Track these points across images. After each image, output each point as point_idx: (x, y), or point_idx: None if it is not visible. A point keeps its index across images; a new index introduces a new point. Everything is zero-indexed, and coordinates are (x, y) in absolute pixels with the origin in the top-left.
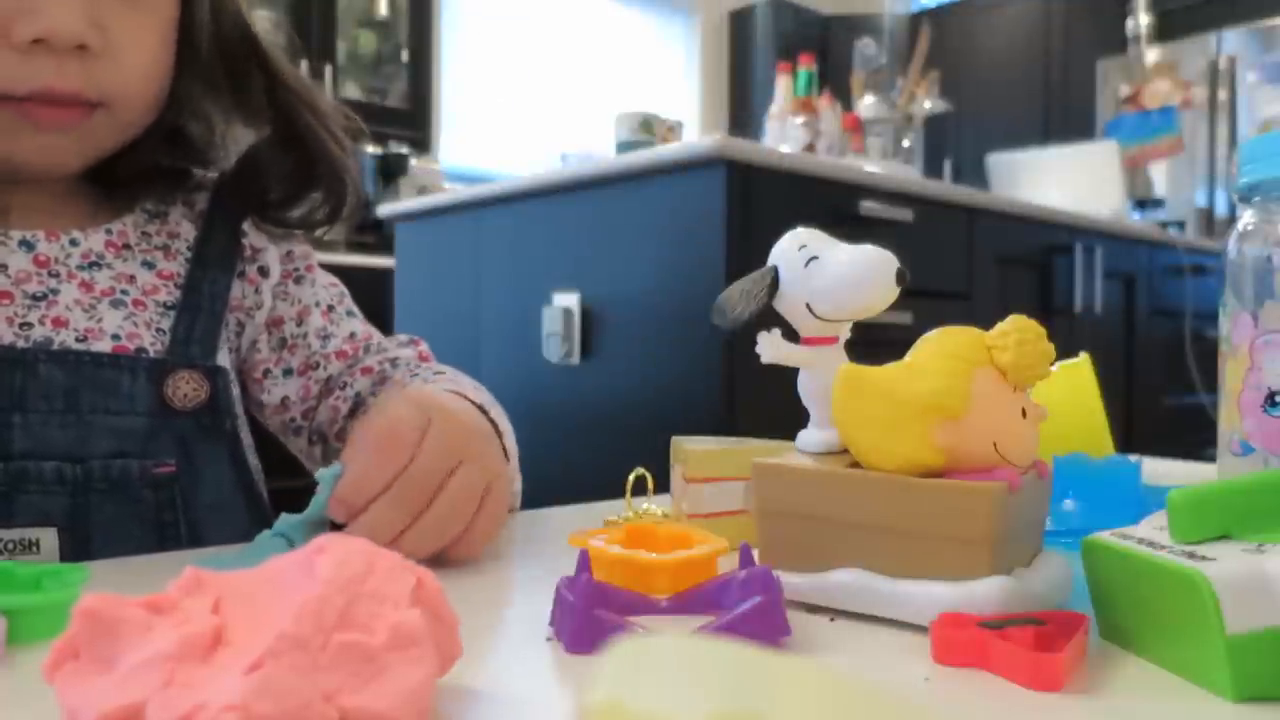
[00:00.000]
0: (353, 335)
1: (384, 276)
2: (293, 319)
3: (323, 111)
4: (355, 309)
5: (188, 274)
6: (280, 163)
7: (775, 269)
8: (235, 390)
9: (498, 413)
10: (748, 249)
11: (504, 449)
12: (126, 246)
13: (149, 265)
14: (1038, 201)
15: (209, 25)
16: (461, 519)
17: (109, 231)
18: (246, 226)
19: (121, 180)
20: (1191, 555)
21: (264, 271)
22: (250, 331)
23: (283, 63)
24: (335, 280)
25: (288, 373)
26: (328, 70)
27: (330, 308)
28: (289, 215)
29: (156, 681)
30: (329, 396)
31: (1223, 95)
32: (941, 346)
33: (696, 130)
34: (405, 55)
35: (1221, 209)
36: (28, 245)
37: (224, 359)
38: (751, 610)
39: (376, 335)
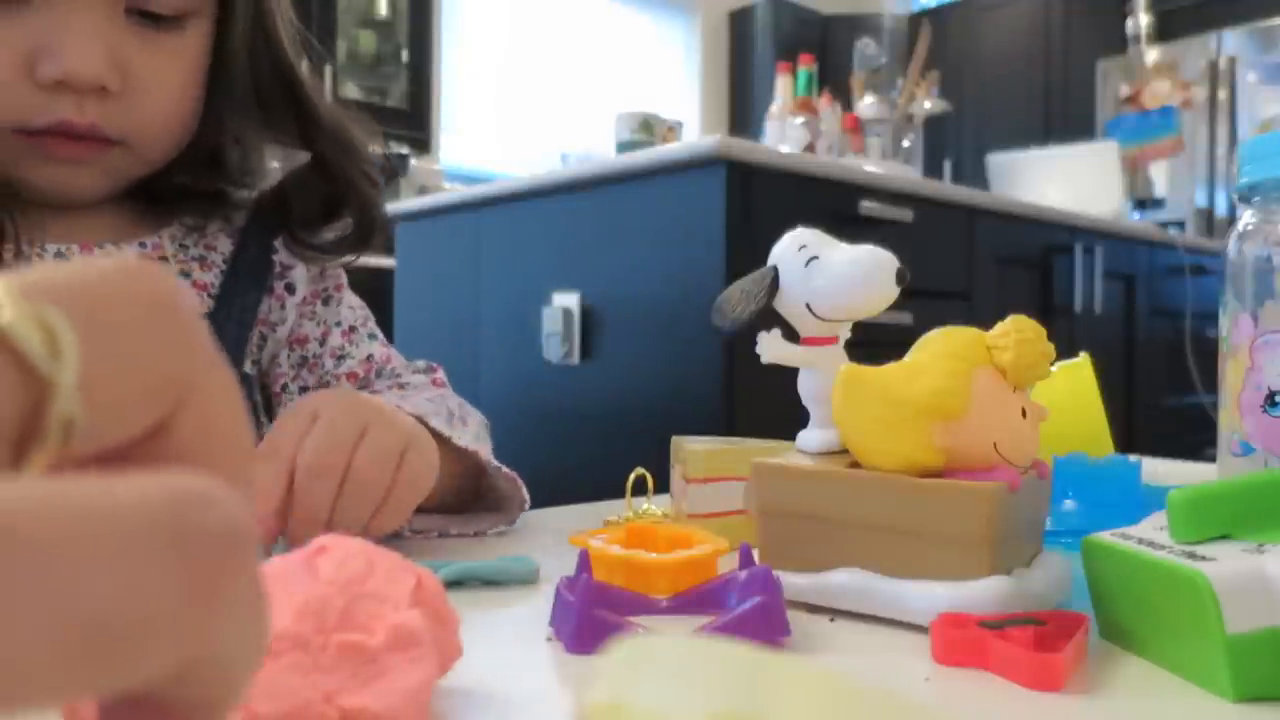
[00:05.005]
0: (369, 358)
1: (384, 276)
2: (316, 339)
3: (355, 149)
4: (378, 332)
5: (221, 285)
6: (312, 191)
7: (775, 269)
8: (257, 400)
9: (469, 425)
10: (748, 249)
11: (465, 448)
12: (162, 259)
13: (184, 275)
14: (1038, 201)
15: (245, 62)
16: (379, 481)
17: (143, 245)
18: (278, 243)
19: (158, 199)
20: (1191, 555)
21: (290, 288)
22: (271, 346)
23: (320, 101)
24: (363, 303)
25: (303, 389)
26: (328, 70)
27: (352, 329)
28: (317, 240)
29: None
30: None
31: (1223, 95)
32: (941, 346)
33: (696, 130)
34: (405, 55)
35: (1221, 209)
36: (62, 259)
37: (248, 370)
38: (751, 610)
39: (396, 360)
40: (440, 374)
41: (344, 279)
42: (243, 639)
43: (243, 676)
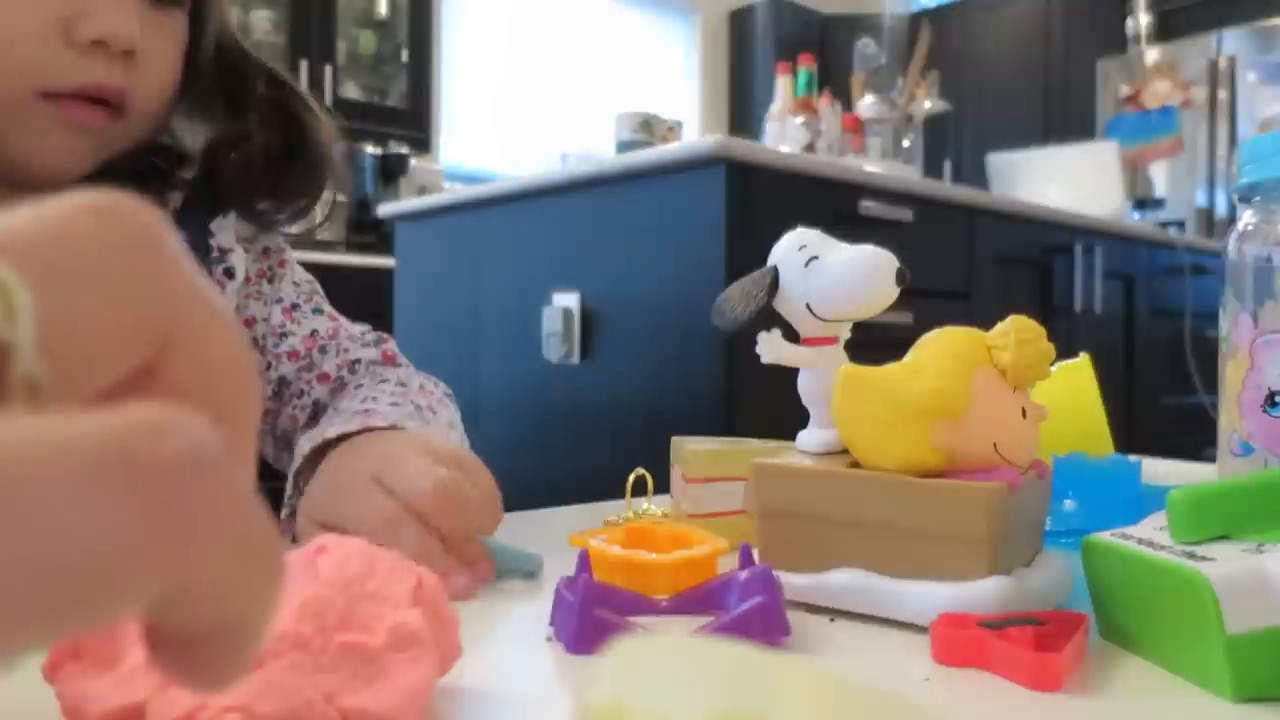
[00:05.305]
0: (313, 333)
1: (384, 276)
2: (264, 319)
3: (289, 81)
4: (324, 306)
5: None
6: (252, 148)
7: (775, 269)
8: None
9: (447, 414)
10: (748, 249)
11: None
12: None
13: None
14: (1038, 201)
15: (211, 49)
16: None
17: None
18: (214, 226)
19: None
20: (1191, 555)
21: (229, 273)
22: None
23: (255, 59)
24: (310, 278)
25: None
26: (328, 70)
27: (294, 305)
28: (274, 201)
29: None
30: (288, 404)
31: (1223, 95)
32: (941, 346)
33: (696, 130)
34: (405, 55)
35: (1221, 209)
36: None
37: None
38: (751, 610)
39: (344, 332)
40: (390, 344)
41: (289, 254)
42: (234, 561)
43: (251, 599)
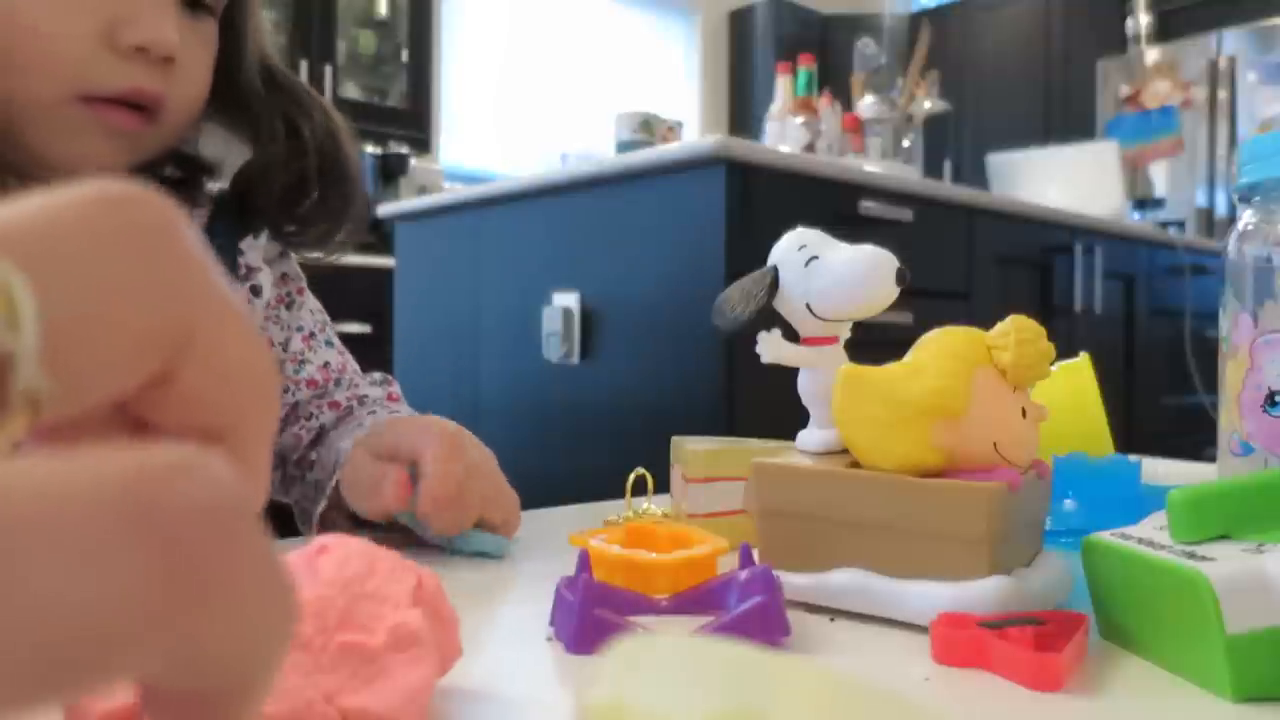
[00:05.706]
0: (326, 365)
1: (384, 276)
2: (280, 344)
3: (334, 115)
4: (335, 339)
5: None
6: (286, 172)
7: (775, 269)
8: None
9: None
10: (748, 249)
11: None
12: None
13: None
14: (1038, 201)
15: (254, 70)
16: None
17: None
18: (244, 245)
19: None
20: (1191, 555)
21: (256, 291)
22: None
23: (301, 83)
24: (321, 308)
25: None
26: (328, 70)
27: (311, 334)
28: (302, 226)
29: None
30: (294, 424)
31: (1223, 95)
32: (941, 346)
33: (696, 130)
34: (405, 55)
35: (1221, 209)
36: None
37: None
38: (751, 610)
39: (351, 367)
40: (395, 388)
41: (304, 282)
42: (249, 623)
43: (261, 660)
